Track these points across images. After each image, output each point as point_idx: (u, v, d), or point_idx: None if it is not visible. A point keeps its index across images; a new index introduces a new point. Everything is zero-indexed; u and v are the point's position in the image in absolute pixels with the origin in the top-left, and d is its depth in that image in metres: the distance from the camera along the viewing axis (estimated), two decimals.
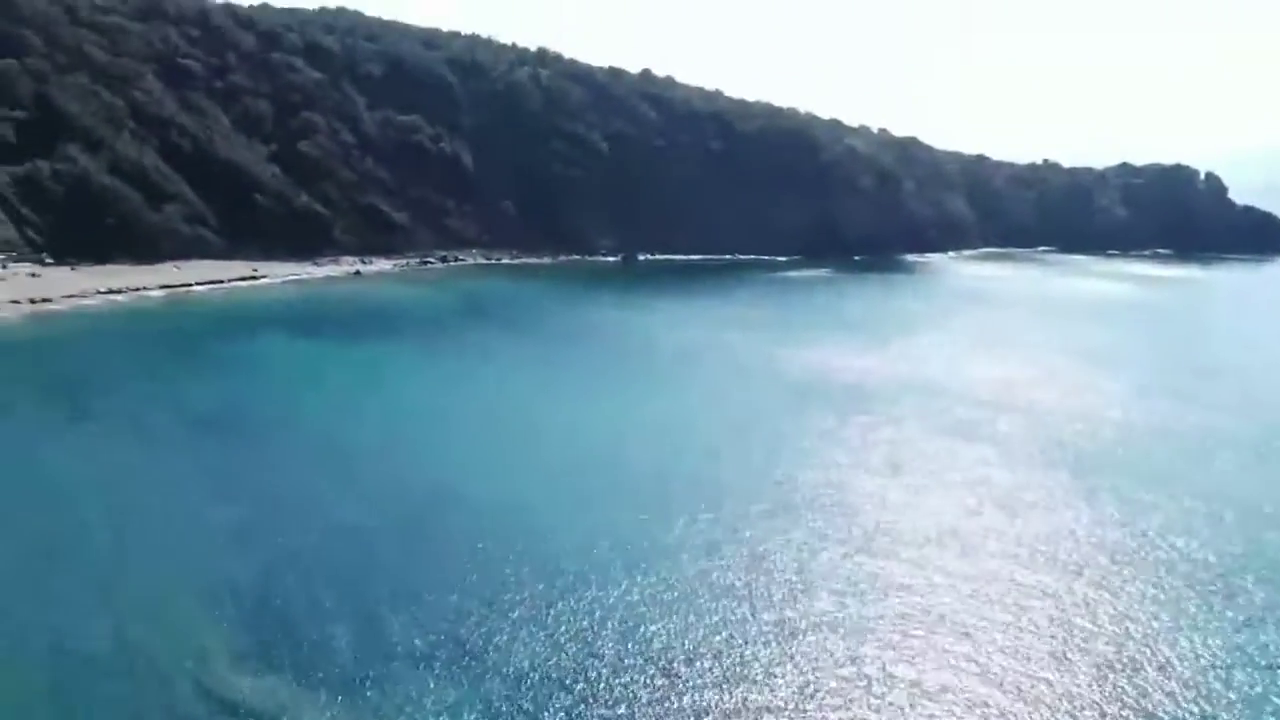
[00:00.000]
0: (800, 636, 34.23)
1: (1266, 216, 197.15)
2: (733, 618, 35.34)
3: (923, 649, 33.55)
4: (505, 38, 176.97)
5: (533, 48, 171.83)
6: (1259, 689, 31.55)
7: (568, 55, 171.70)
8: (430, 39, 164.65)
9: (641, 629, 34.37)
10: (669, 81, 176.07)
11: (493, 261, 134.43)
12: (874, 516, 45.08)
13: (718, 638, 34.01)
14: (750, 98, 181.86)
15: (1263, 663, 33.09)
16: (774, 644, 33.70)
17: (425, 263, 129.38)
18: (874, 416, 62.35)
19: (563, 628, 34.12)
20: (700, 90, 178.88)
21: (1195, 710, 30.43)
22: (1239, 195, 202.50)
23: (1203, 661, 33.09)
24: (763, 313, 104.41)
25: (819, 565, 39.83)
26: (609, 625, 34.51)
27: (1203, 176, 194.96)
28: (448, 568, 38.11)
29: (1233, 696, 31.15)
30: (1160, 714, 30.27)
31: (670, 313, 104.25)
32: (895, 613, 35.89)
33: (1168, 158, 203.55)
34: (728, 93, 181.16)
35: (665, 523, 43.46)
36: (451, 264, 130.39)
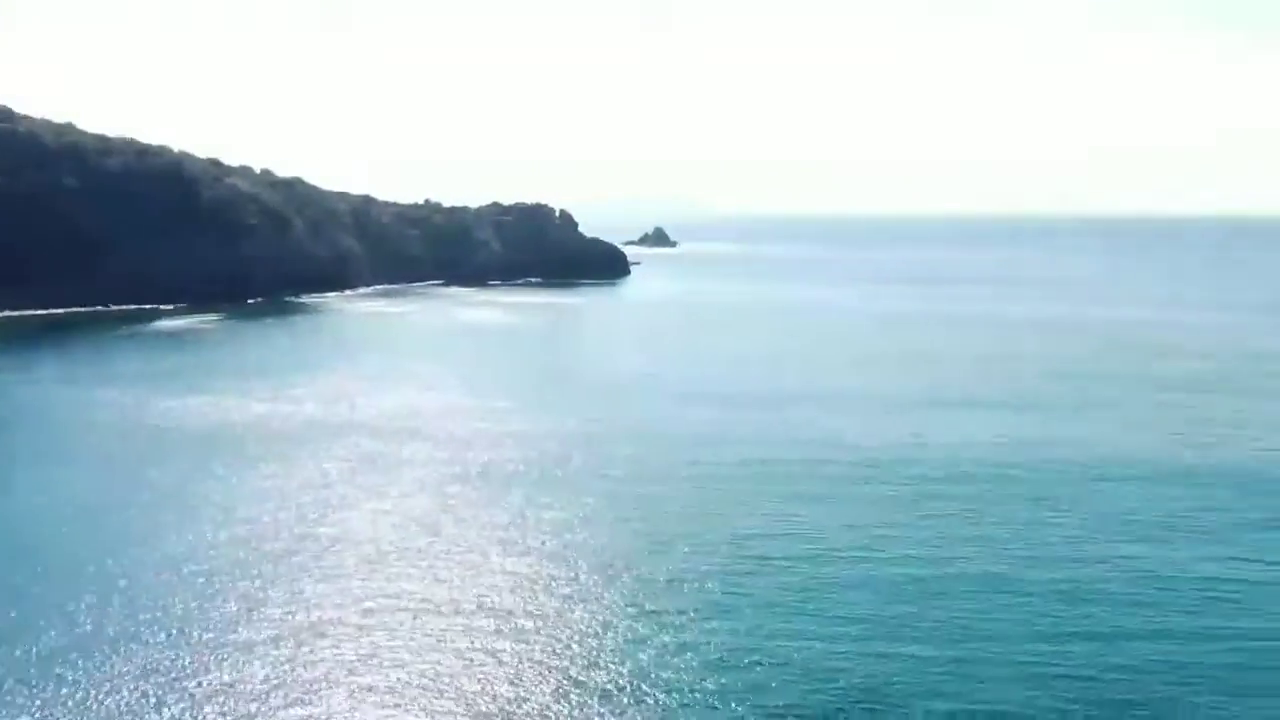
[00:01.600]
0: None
1: (610, 246, 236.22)
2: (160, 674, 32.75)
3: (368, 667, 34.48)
4: None
5: None
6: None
7: None
8: None
9: None
10: (5, 112, 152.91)
11: None
12: (302, 552, 44.76)
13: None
14: (111, 133, 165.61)
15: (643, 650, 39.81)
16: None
17: None
18: (283, 460, 61.52)
19: None
20: (47, 122, 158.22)
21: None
22: (598, 231, 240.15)
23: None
24: (149, 367, 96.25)
25: (250, 611, 38.50)
26: None
27: (558, 214, 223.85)
28: None
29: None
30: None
31: (22, 373, 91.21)
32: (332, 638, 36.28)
33: (528, 199, 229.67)
34: (82, 126, 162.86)
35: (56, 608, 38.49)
36: None
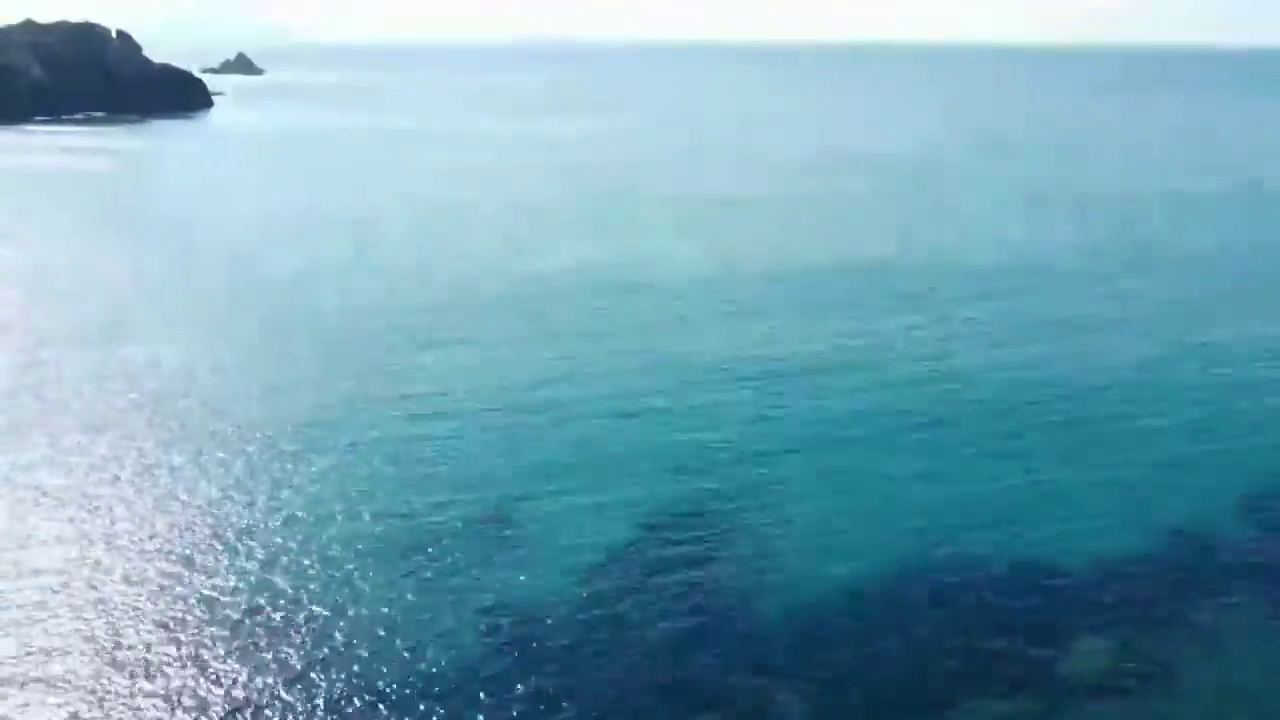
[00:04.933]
0: None
1: (185, 74, 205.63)
2: None
3: None
4: None
5: None
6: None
7: None
8: None
9: None
10: None
11: None
12: None
13: None
14: None
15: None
16: None
17: None
18: None
19: None
20: None
21: None
22: (168, 57, 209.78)
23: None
24: None
25: None
26: None
27: (115, 35, 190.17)
28: None
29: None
30: None
31: None
32: None
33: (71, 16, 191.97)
34: None
35: None
36: None
